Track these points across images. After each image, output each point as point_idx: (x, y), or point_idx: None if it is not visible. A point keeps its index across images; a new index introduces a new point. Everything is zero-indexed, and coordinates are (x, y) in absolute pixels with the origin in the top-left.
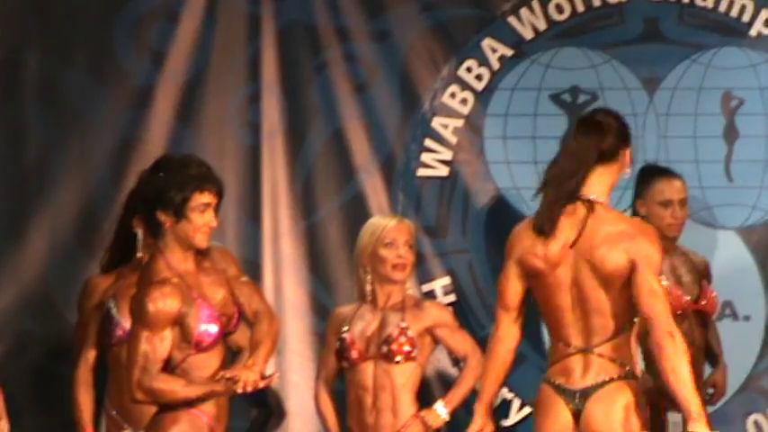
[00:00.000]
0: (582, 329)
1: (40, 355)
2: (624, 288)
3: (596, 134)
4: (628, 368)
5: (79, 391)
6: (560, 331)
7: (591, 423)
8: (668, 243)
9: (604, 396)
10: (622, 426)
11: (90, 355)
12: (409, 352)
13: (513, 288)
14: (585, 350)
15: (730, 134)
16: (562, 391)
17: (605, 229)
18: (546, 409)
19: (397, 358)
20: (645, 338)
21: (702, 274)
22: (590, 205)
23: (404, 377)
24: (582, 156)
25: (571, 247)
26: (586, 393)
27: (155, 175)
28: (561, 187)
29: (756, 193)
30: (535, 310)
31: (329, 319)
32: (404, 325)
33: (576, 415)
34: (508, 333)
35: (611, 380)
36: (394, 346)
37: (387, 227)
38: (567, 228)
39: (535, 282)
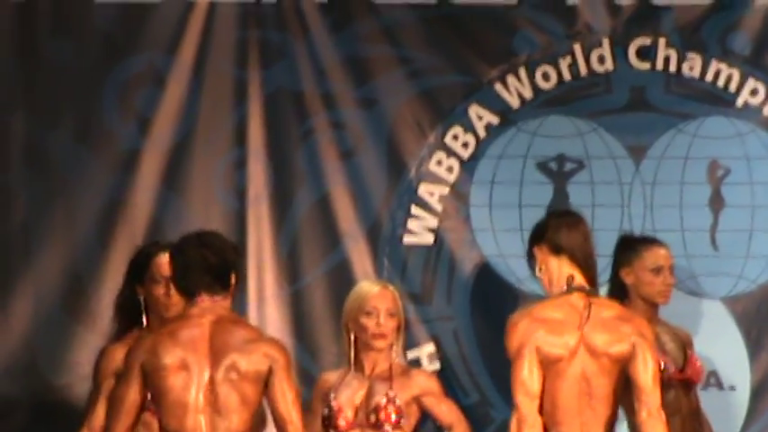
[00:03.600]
0: (584, 420)
1: (24, 421)
2: (622, 375)
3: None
4: None
5: None
6: (562, 422)
7: None
8: (652, 312)
9: None
10: None
11: (96, 423)
12: (397, 421)
13: (537, 376)
14: None
15: (716, 203)
16: None
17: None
18: None
19: (386, 427)
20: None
21: (686, 343)
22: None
23: None
24: None
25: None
26: None
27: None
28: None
29: (742, 262)
30: None
31: (315, 386)
32: (392, 394)
33: None
34: (536, 421)
35: None
36: (382, 415)
37: (368, 295)
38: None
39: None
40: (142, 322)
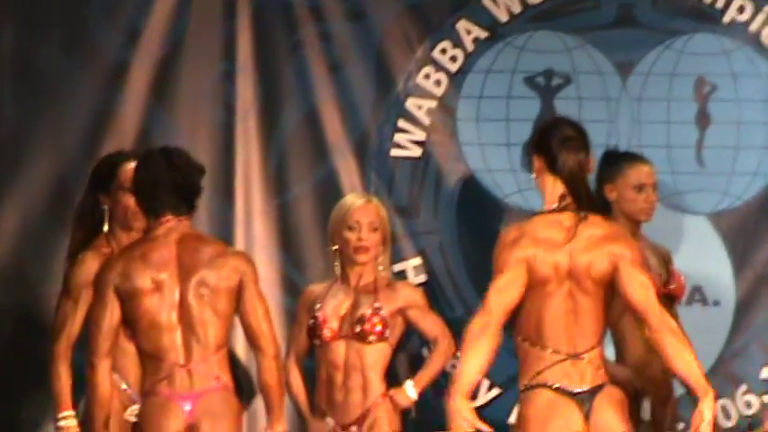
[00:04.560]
0: (571, 336)
1: (12, 328)
2: (608, 292)
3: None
4: (607, 375)
5: (59, 365)
6: (549, 337)
7: (602, 425)
8: (635, 229)
9: (606, 400)
10: (627, 427)
11: (73, 332)
12: (381, 332)
13: (515, 291)
14: (575, 356)
15: (702, 120)
16: (569, 394)
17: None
18: (553, 412)
19: (370, 338)
20: (617, 331)
21: (667, 259)
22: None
23: (375, 357)
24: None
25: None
26: (590, 397)
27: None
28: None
29: (727, 178)
30: None
31: (300, 297)
32: (377, 305)
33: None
34: (498, 330)
35: (603, 384)
36: (367, 326)
37: (351, 208)
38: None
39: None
40: (102, 230)
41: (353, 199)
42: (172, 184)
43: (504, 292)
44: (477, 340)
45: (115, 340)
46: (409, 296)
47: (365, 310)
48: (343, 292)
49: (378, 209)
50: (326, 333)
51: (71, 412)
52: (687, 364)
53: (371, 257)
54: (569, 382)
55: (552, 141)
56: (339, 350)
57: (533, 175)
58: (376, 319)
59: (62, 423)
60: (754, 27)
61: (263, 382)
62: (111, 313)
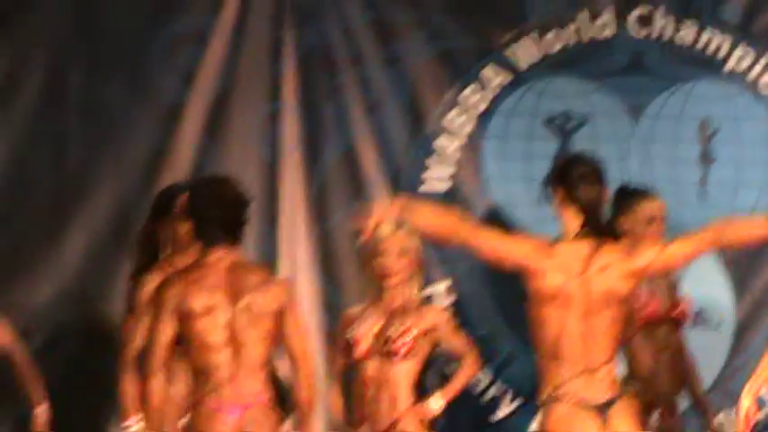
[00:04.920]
0: (587, 352)
1: (76, 346)
2: (622, 311)
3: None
4: (621, 386)
5: (125, 377)
6: (566, 354)
7: None
8: None
9: (621, 411)
10: None
11: (137, 346)
12: (408, 351)
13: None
14: (591, 371)
15: (705, 159)
16: (587, 406)
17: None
18: (570, 425)
19: (397, 357)
20: (628, 348)
21: (674, 285)
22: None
23: (402, 373)
24: None
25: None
26: (605, 409)
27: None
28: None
29: (728, 212)
30: (524, 311)
31: (340, 321)
32: (405, 326)
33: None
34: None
35: (617, 396)
36: (395, 346)
37: (380, 236)
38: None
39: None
40: (161, 255)
41: (383, 227)
42: (220, 220)
43: (519, 240)
44: None
45: (170, 354)
46: (437, 318)
47: (394, 331)
48: (375, 313)
49: (404, 236)
50: (358, 352)
51: (136, 419)
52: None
53: (400, 281)
54: (586, 394)
55: (572, 175)
56: (370, 367)
57: (554, 206)
58: (404, 340)
59: (130, 430)
60: (752, 75)
61: (297, 397)
62: (167, 331)
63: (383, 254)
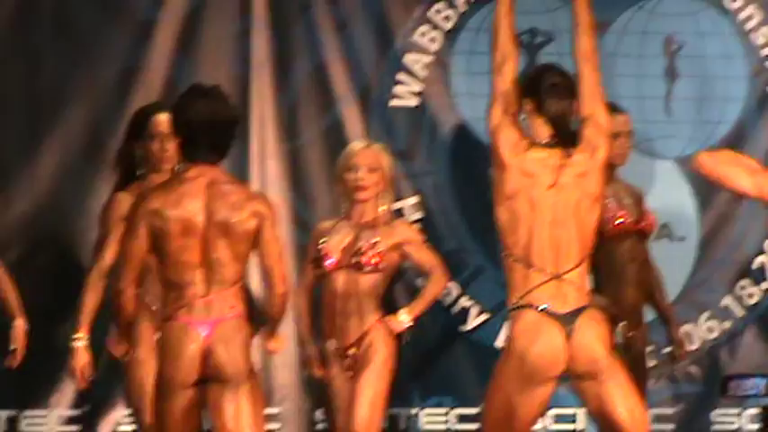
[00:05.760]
0: (556, 256)
1: (48, 258)
2: (594, 216)
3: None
4: (589, 296)
5: (88, 292)
6: (535, 258)
7: (583, 347)
8: (610, 172)
9: (587, 321)
10: (608, 348)
11: (105, 264)
12: (377, 264)
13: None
14: (558, 276)
15: (671, 74)
16: (553, 315)
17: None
18: (536, 333)
19: (366, 269)
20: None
21: (639, 198)
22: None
23: (369, 285)
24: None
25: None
26: (572, 319)
27: None
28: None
29: (693, 127)
30: (491, 226)
31: (312, 233)
32: (374, 240)
33: (566, 339)
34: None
35: (585, 306)
36: (363, 258)
37: (351, 152)
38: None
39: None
40: (137, 174)
41: (355, 144)
42: (209, 139)
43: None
44: None
45: (141, 267)
46: (405, 233)
47: (363, 244)
48: (346, 227)
49: (376, 152)
50: (328, 263)
51: (84, 335)
52: None
53: (370, 196)
54: (552, 304)
55: (541, 87)
56: (338, 279)
57: (523, 117)
58: (372, 252)
59: (74, 344)
60: None
61: (269, 314)
62: (142, 245)
63: (354, 169)
